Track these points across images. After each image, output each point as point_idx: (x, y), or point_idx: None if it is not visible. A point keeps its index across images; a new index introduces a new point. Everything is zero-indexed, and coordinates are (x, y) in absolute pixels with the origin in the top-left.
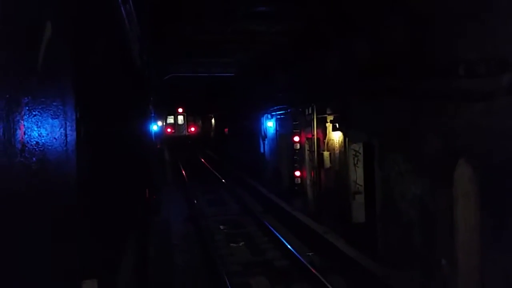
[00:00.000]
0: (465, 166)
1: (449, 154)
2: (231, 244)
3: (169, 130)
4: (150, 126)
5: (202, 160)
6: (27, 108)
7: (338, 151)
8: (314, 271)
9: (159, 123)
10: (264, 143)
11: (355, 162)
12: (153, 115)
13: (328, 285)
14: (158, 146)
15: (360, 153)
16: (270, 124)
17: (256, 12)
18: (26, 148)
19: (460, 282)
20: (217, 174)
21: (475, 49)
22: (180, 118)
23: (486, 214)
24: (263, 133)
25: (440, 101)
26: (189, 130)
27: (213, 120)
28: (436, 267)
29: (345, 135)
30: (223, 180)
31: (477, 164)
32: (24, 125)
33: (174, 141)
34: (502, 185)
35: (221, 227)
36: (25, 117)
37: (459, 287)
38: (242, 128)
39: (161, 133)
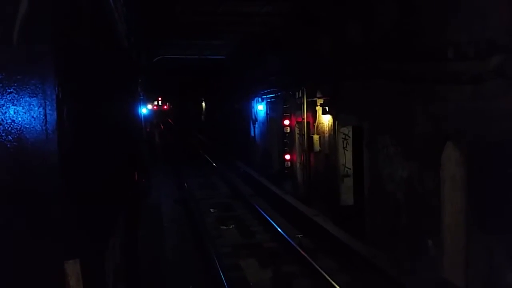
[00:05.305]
0: (453, 149)
1: (437, 137)
2: (222, 227)
3: (155, 107)
4: (139, 109)
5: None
6: (0, 85)
7: (327, 135)
8: (303, 252)
9: (149, 106)
10: (254, 127)
11: (345, 146)
12: (142, 97)
13: (317, 267)
14: (148, 129)
15: (349, 137)
16: (260, 108)
17: None
18: (1, 126)
19: (446, 262)
20: (208, 158)
21: (464, 31)
22: (160, 102)
23: (472, 196)
24: (253, 116)
25: (430, 84)
26: (163, 108)
27: (203, 104)
28: (422, 248)
29: (334, 119)
30: (214, 164)
31: (464, 147)
32: None
33: (157, 111)
34: (488, 168)
35: (212, 210)
36: None
37: (445, 267)
38: (233, 111)
39: (151, 110)
